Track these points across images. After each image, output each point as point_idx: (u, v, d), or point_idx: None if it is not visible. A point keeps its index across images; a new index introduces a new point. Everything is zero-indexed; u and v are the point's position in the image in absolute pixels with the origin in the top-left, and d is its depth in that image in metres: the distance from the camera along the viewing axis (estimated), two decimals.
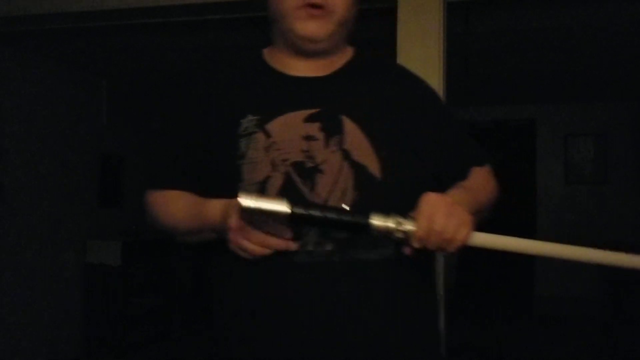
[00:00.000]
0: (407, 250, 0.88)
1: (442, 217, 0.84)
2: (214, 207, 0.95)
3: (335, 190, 0.94)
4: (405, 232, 0.86)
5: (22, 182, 3.47)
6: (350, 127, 0.97)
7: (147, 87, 4.67)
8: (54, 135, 3.75)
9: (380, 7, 2.36)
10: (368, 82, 1.05)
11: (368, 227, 0.86)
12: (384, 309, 0.96)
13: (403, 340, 0.98)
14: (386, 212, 0.87)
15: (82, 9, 2.48)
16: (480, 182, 1.06)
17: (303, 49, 1.02)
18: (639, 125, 5.16)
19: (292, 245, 0.90)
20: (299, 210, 0.85)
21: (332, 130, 0.97)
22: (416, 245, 0.86)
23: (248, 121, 0.98)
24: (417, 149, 1.02)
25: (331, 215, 0.86)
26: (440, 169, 1.05)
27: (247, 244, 0.89)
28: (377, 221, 0.85)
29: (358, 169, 0.95)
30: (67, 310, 3.86)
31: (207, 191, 0.99)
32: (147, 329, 4.33)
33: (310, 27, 0.99)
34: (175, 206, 1.04)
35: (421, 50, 2.20)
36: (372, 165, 0.96)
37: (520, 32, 3.18)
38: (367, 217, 0.86)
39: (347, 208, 0.89)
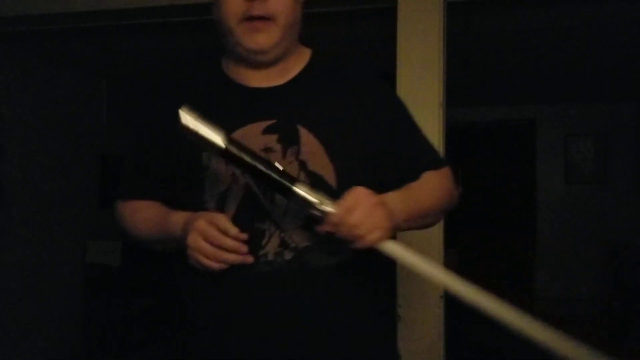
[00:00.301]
0: (318, 228, 0.91)
1: (360, 214, 0.86)
2: (177, 220, 0.98)
3: None
4: (322, 212, 0.87)
5: (22, 182, 3.47)
6: (306, 138, 0.99)
7: (147, 87, 4.66)
8: (54, 135, 3.75)
9: (380, 7, 2.36)
10: (324, 88, 1.06)
11: (290, 191, 0.87)
12: (342, 313, 0.99)
13: (360, 343, 1.01)
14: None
15: (82, 9, 2.48)
16: (428, 185, 1.05)
17: (254, 61, 1.04)
18: (639, 126, 5.17)
19: (249, 259, 0.92)
20: (233, 149, 0.87)
21: (289, 141, 0.99)
22: (327, 228, 0.88)
23: None
24: (373, 155, 1.03)
25: (260, 166, 0.88)
26: (395, 173, 1.05)
27: (204, 260, 0.91)
28: (300, 190, 0.87)
29: (314, 179, 0.97)
30: (67, 310, 3.86)
31: (173, 202, 1.03)
32: (147, 329, 4.33)
33: (257, 40, 1.00)
34: (141, 215, 1.08)
35: (421, 50, 2.20)
36: (328, 175, 0.98)
37: (520, 32, 3.18)
38: (293, 182, 0.88)
39: (281, 167, 0.91)
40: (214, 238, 0.90)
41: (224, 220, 0.91)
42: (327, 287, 0.98)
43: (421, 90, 2.20)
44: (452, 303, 2.95)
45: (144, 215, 1.08)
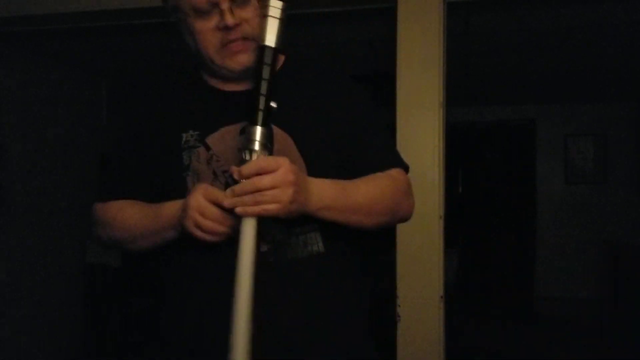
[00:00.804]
0: (229, 169, 0.94)
1: (269, 180, 0.88)
2: (172, 205, 1.02)
3: None
4: (248, 156, 0.90)
5: (22, 182, 3.47)
6: (280, 136, 1.03)
7: (147, 87, 4.66)
8: (54, 135, 3.75)
9: (380, 7, 2.36)
10: (296, 89, 1.09)
11: (252, 123, 0.93)
12: (315, 303, 1.03)
13: (331, 333, 1.05)
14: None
15: (82, 9, 2.48)
16: (369, 183, 1.06)
17: (236, 78, 1.07)
18: (639, 125, 5.17)
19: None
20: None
21: None
22: (235, 175, 0.91)
23: (189, 135, 1.06)
24: (339, 150, 1.07)
25: (265, 87, 0.95)
26: (354, 169, 1.08)
27: (205, 221, 0.93)
28: (257, 131, 0.92)
29: None
30: (67, 310, 3.86)
31: (155, 202, 1.06)
32: (147, 330, 4.33)
33: (239, 60, 1.04)
34: (129, 211, 1.10)
35: (421, 50, 2.20)
36: (299, 168, 1.01)
37: (520, 32, 3.18)
38: (264, 123, 0.93)
39: (275, 106, 0.95)
40: (212, 212, 0.93)
41: (216, 192, 0.94)
42: (301, 279, 1.02)
43: (421, 90, 2.21)
44: (452, 303, 2.96)
45: (131, 210, 1.09)
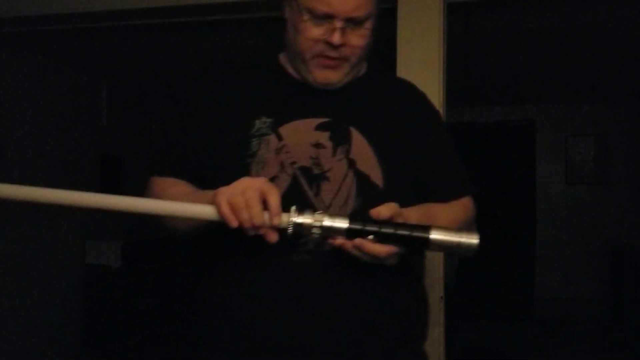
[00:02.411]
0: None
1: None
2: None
3: (338, 197, 0.98)
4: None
5: (22, 183, 3.46)
6: (357, 138, 1.02)
7: (147, 87, 4.66)
8: (54, 135, 3.75)
9: (380, 7, 2.35)
10: (377, 96, 1.10)
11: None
12: (375, 309, 0.99)
13: (388, 344, 1.00)
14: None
15: (82, 9, 2.48)
16: (449, 215, 1.04)
17: (316, 87, 1.07)
18: (639, 126, 5.16)
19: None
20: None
21: (340, 139, 1.02)
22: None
23: (261, 122, 1.02)
24: (413, 164, 1.05)
25: (389, 229, 0.85)
26: (426, 186, 1.07)
27: (239, 199, 0.85)
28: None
29: (361, 177, 0.99)
30: (67, 311, 3.86)
31: (212, 185, 0.98)
32: (147, 330, 4.33)
33: (327, 75, 1.04)
34: (175, 189, 1.05)
35: (421, 50, 2.20)
36: (375, 175, 1.00)
37: (520, 32, 3.18)
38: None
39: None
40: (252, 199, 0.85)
41: (276, 195, 0.86)
42: (366, 281, 0.98)
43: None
44: (452, 303, 2.95)
45: (178, 189, 1.04)
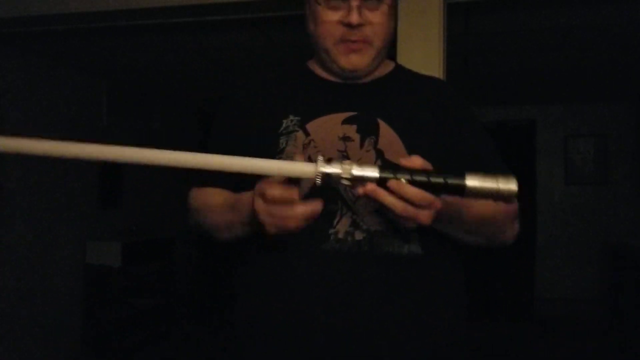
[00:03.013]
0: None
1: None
2: (249, 195, 0.94)
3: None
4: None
5: (22, 182, 3.47)
6: (385, 129, 1.02)
7: (147, 87, 4.67)
8: (54, 135, 3.74)
9: None
10: (405, 90, 1.10)
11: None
12: (405, 305, 0.97)
13: (422, 338, 0.98)
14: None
15: (82, 9, 2.48)
16: (487, 205, 0.98)
17: (345, 76, 1.08)
18: (639, 126, 5.16)
19: (318, 207, 0.85)
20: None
21: (368, 131, 1.02)
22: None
23: (289, 121, 1.04)
24: (443, 157, 1.01)
25: (421, 177, 0.81)
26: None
27: (265, 218, 0.86)
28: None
29: None
30: (67, 311, 3.86)
31: (245, 188, 0.98)
32: (147, 330, 4.33)
33: (352, 60, 1.04)
34: (214, 199, 1.06)
35: (421, 50, 2.20)
36: None
37: (520, 32, 3.18)
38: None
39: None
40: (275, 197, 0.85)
41: (292, 193, 0.85)
42: (396, 274, 0.97)
43: None
44: None
45: (217, 199, 1.06)
